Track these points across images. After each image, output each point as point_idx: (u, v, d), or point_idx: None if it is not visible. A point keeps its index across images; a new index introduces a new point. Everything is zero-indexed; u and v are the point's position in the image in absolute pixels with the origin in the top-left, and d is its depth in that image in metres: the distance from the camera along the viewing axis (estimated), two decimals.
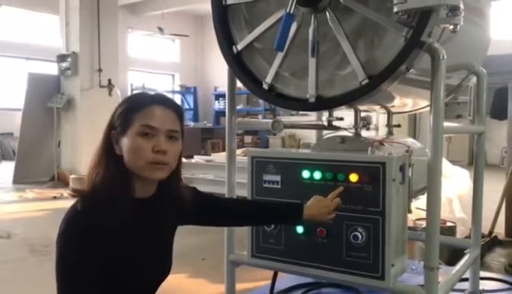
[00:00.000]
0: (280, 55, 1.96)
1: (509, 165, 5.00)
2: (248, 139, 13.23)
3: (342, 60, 1.83)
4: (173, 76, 16.35)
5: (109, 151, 1.42)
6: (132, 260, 1.43)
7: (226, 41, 2.09)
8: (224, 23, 2.10)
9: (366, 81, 1.77)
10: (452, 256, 3.13)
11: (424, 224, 3.22)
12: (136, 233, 1.43)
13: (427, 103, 2.62)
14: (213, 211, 1.77)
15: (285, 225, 1.99)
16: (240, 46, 2.06)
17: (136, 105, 1.43)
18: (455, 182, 4.70)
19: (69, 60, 8.57)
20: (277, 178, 2.01)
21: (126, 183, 1.41)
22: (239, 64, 2.09)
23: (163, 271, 1.56)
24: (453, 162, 5.43)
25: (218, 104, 14.92)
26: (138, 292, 1.48)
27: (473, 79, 2.70)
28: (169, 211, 1.53)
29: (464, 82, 2.60)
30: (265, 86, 2.02)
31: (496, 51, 3.26)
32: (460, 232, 3.97)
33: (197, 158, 7.27)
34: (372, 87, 1.77)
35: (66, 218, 1.38)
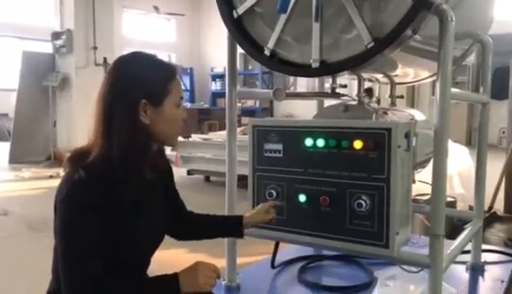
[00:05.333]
0: (282, 20, 1.90)
1: (509, 143, 4.96)
2: (245, 120, 13.19)
3: (347, 23, 1.76)
4: (169, 56, 16.18)
5: (136, 119, 1.38)
6: (133, 224, 1.41)
7: (226, 5, 2.03)
8: None
9: (372, 44, 1.71)
10: (452, 232, 3.11)
11: (424, 198, 3.22)
12: (138, 197, 1.42)
13: (429, 73, 2.59)
14: (176, 204, 1.76)
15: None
16: (240, 11, 1.99)
17: (171, 75, 1.44)
18: (455, 159, 4.67)
19: (64, 37, 8.46)
20: (279, 147, 1.96)
21: (149, 151, 1.43)
22: (239, 30, 2.02)
23: (161, 235, 1.58)
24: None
25: (215, 85, 14.79)
26: (137, 256, 1.48)
27: (472, 58, 2.66)
28: (159, 177, 1.55)
29: (468, 53, 2.56)
30: (266, 52, 1.96)
31: (496, 31, 3.20)
32: (460, 207, 3.97)
33: (195, 137, 7.21)
34: (378, 50, 1.71)
35: (67, 184, 1.36)
